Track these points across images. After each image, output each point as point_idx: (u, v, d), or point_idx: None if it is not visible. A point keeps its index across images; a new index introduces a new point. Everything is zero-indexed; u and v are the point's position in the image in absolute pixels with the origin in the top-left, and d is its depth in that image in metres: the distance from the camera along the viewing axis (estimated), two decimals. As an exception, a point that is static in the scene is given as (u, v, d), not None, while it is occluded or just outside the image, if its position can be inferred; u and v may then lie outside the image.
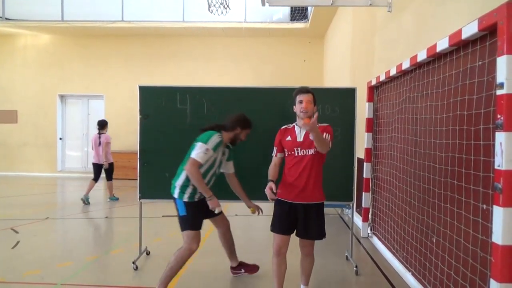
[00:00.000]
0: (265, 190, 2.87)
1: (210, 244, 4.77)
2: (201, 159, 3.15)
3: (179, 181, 3.29)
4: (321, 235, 3.01)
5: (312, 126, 2.57)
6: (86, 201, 7.39)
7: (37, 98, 11.41)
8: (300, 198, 2.95)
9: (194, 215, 3.24)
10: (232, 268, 3.85)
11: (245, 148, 3.97)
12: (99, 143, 7.57)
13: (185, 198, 3.24)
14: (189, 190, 3.25)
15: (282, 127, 3.15)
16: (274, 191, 2.84)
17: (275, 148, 3.14)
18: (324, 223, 3.05)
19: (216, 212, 3.27)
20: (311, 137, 2.78)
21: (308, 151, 2.93)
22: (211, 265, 4.10)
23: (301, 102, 2.95)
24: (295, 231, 3.03)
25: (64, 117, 11.81)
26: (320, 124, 3.01)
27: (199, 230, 3.26)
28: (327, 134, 2.90)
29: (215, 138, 3.22)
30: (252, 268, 3.82)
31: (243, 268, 3.83)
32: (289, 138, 3.03)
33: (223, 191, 3.98)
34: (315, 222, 2.98)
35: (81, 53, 11.38)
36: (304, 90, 2.99)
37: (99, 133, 7.63)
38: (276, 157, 3.13)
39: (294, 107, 3.03)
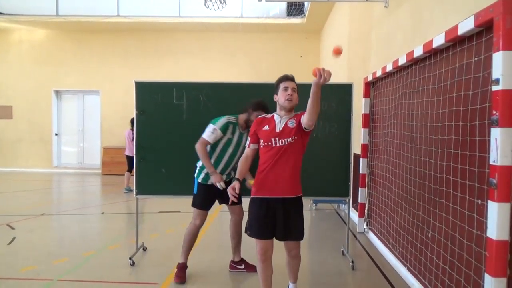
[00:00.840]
0: (228, 189, 2.70)
1: (207, 241, 4.77)
2: (208, 138, 3.40)
3: (199, 162, 3.56)
4: (302, 234, 2.84)
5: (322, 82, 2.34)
6: (128, 190, 8.13)
7: (32, 94, 11.33)
8: (277, 192, 2.74)
9: (202, 196, 3.55)
10: (232, 262, 3.87)
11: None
12: (132, 139, 8.00)
13: (200, 179, 3.54)
14: (204, 172, 3.51)
15: (260, 116, 2.94)
16: (237, 192, 2.68)
17: (248, 138, 2.91)
18: (303, 221, 2.86)
19: (218, 187, 3.38)
20: (314, 93, 2.44)
21: (287, 140, 2.71)
22: (208, 261, 4.11)
23: (286, 89, 2.76)
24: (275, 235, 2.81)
25: (60, 112, 11.74)
26: (298, 113, 2.81)
27: (205, 211, 3.57)
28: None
29: (223, 120, 3.44)
30: (251, 267, 3.80)
31: (244, 264, 3.84)
32: (266, 127, 2.79)
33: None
34: (296, 221, 2.80)
35: (76, 48, 11.29)
36: (290, 78, 2.81)
37: (132, 129, 8.05)
38: (249, 148, 2.89)
39: (275, 96, 2.84)
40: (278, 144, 2.73)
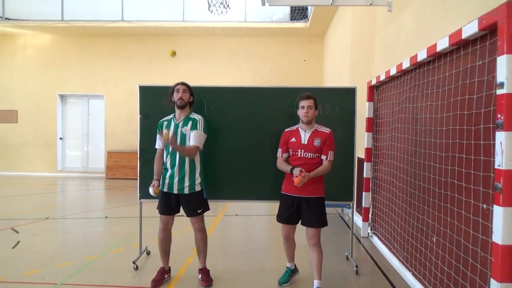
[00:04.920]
0: (295, 171, 3.13)
1: (209, 245, 4.76)
2: (156, 145, 3.64)
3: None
4: (322, 223, 3.32)
5: (303, 182, 3.08)
6: None
7: (37, 98, 11.40)
8: (303, 193, 3.27)
9: (159, 201, 3.59)
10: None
11: (244, 146, 3.97)
12: None
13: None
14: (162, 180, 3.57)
15: (286, 130, 3.43)
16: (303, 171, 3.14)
17: (280, 150, 3.43)
18: (325, 213, 3.37)
19: (150, 191, 3.47)
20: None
21: (311, 155, 3.27)
22: (209, 265, 4.10)
23: (303, 107, 3.27)
24: (300, 221, 3.39)
25: (64, 116, 11.80)
26: (321, 130, 3.34)
27: (163, 215, 3.59)
28: (331, 152, 3.28)
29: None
30: (206, 280, 3.59)
31: (201, 274, 3.66)
32: (294, 139, 3.33)
33: (223, 191, 4.00)
34: (317, 212, 3.29)
35: (81, 53, 11.37)
36: (305, 96, 3.30)
37: None
38: (281, 157, 3.42)
39: (298, 110, 3.36)
40: (303, 156, 3.28)
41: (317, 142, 3.27)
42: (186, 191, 3.47)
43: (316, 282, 3.33)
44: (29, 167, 11.47)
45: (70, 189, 9.65)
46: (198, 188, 3.51)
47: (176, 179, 3.46)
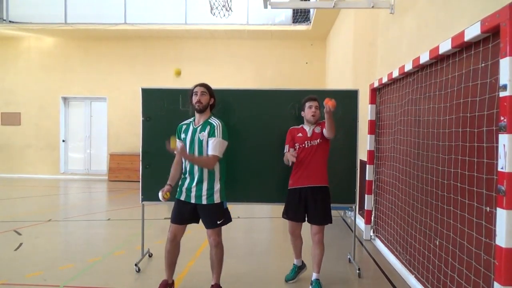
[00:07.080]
0: (287, 155, 3.45)
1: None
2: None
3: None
4: (324, 220, 3.49)
5: (332, 111, 3.13)
6: None
7: (40, 100, 11.45)
8: (309, 182, 3.48)
9: (173, 209, 3.39)
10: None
11: (246, 148, 3.97)
12: None
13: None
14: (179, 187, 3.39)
15: (291, 127, 3.67)
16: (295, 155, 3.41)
17: (287, 146, 3.62)
18: (330, 209, 3.55)
19: (159, 196, 3.26)
20: (326, 124, 3.33)
21: (315, 141, 3.53)
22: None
23: (311, 107, 3.55)
24: (306, 219, 3.55)
25: (67, 119, 11.84)
26: (321, 121, 3.60)
27: (173, 224, 3.36)
28: None
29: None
30: None
31: None
32: (300, 134, 3.60)
33: (226, 193, 3.99)
34: (322, 208, 3.48)
35: (84, 56, 11.41)
36: (313, 98, 3.58)
37: None
38: (288, 152, 3.59)
39: (302, 112, 3.62)
40: (308, 145, 3.53)
41: (318, 129, 3.56)
42: (204, 200, 3.23)
43: (315, 275, 3.55)
44: (32, 169, 11.51)
45: (72, 191, 9.67)
46: (217, 199, 3.25)
47: (193, 187, 3.25)
